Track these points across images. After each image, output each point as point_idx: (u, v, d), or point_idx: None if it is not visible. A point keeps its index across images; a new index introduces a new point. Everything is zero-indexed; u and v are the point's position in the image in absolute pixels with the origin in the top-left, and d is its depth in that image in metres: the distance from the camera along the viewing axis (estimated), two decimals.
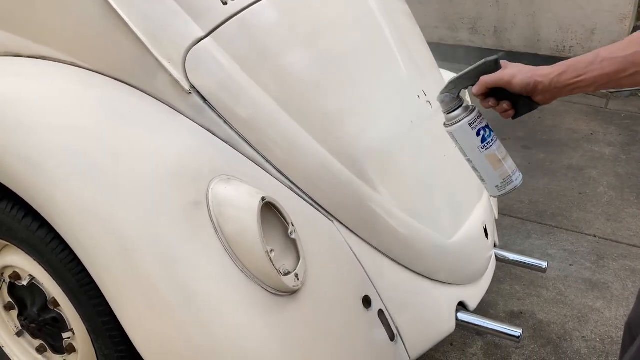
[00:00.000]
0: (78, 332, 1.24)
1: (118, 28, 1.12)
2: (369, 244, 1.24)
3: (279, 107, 1.17)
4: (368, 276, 1.20)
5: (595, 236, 2.29)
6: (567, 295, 1.96)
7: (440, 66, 1.71)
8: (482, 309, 1.81)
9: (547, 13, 3.86)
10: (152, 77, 1.14)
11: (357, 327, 1.15)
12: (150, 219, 1.01)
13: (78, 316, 1.20)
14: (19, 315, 1.35)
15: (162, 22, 1.12)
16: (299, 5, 1.30)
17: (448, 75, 1.76)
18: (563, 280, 2.03)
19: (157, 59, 1.11)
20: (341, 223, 1.21)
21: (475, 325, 1.38)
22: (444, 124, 1.01)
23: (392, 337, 1.20)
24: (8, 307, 1.37)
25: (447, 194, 1.44)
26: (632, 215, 2.41)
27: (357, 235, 1.23)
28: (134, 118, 1.12)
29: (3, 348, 1.41)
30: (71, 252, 1.08)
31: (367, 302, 1.17)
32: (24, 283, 1.27)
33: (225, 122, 1.15)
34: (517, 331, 1.36)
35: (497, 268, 1.65)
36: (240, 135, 1.15)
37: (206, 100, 1.14)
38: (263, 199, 1.02)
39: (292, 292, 1.05)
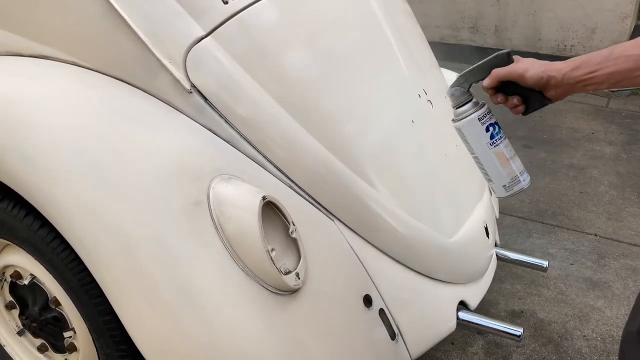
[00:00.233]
0: (79, 331, 1.24)
1: (119, 27, 1.12)
2: (369, 243, 1.24)
3: (279, 107, 1.17)
4: (369, 275, 1.20)
5: (596, 235, 2.28)
6: (568, 295, 1.96)
7: (441, 65, 1.72)
8: (483, 308, 1.81)
9: (547, 12, 3.86)
10: (153, 77, 1.14)
11: (358, 326, 1.15)
12: (151, 219, 1.02)
13: (79, 315, 1.20)
14: (20, 315, 1.36)
15: (163, 22, 1.12)
16: (299, 5, 1.30)
17: (449, 75, 1.76)
18: (564, 280, 2.03)
19: (158, 59, 1.11)
20: (342, 222, 1.21)
21: (476, 324, 1.38)
22: (452, 120, 0.98)
23: (392, 336, 1.20)
24: (9, 306, 1.37)
25: (448, 193, 1.43)
26: (633, 214, 2.41)
27: (358, 235, 1.23)
28: (135, 117, 1.12)
29: (4, 347, 1.41)
30: (72, 251, 1.08)
31: (367, 301, 1.17)
32: (25, 282, 1.27)
33: (226, 121, 1.15)
34: (518, 330, 1.35)
35: (498, 267, 1.65)
36: (241, 135, 1.15)
37: (207, 100, 1.14)
38: (264, 198, 1.02)
39: (293, 291, 1.05)
